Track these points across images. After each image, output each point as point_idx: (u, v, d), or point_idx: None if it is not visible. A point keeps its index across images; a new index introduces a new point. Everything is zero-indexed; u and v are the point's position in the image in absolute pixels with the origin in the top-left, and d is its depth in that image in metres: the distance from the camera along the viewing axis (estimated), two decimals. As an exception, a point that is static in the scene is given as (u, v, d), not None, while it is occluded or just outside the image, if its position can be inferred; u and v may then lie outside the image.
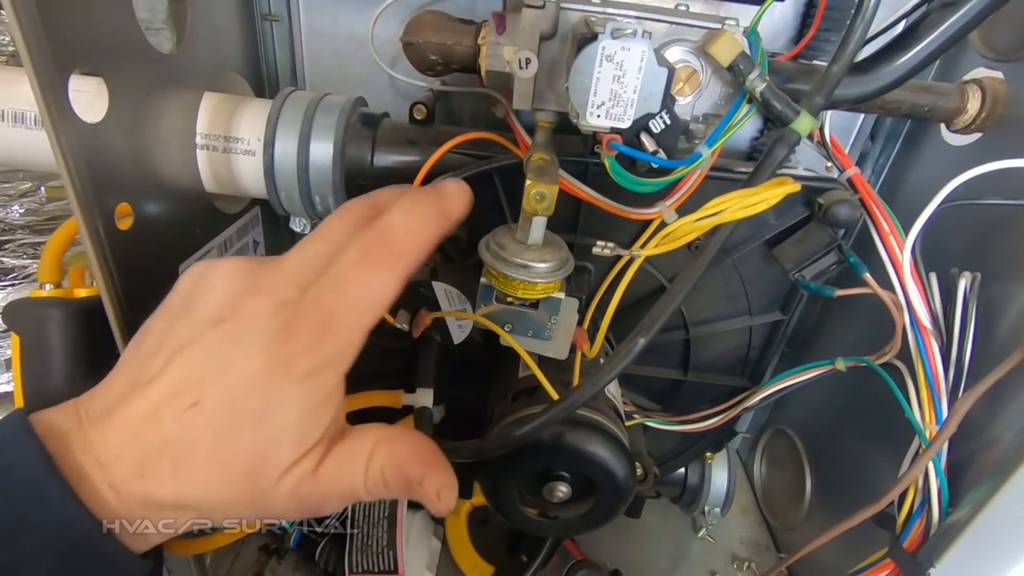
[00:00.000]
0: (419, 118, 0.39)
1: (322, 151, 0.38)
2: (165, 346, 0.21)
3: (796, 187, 0.28)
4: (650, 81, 0.26)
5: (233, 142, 0.38)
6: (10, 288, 0.62)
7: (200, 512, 0.21)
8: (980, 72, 0.37)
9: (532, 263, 0.30)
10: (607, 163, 0.28)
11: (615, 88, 0.26)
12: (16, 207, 0.58)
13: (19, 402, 0.32)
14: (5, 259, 0.60)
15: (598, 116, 0.27)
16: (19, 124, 0.36)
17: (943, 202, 0.33)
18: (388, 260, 0.22)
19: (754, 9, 0.30)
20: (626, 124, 0.27)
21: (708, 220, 0.27)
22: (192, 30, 0.36)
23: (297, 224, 0.41)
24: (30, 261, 0.61)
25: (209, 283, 0.22)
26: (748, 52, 0.28)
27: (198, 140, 0.37)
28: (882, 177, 0.48)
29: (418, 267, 0.23)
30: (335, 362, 0.21)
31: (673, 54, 0.29)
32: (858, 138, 0.47)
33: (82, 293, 0.34)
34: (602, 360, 0.29)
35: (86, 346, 0.31)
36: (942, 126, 0.40)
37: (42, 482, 0.19)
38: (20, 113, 0.36)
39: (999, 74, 0.36)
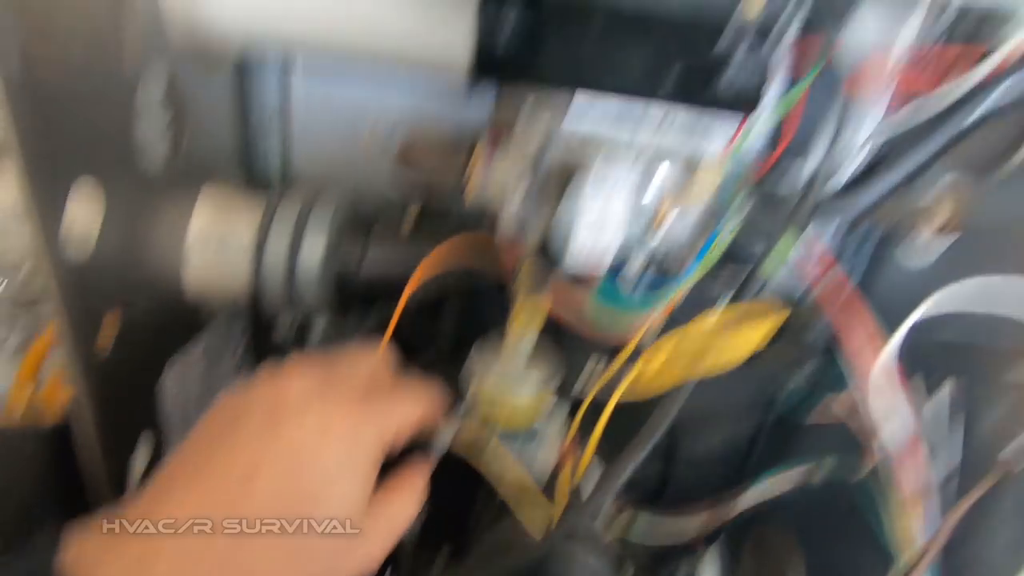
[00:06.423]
0: (413, 221, 0.40)
1: (312, 255, 0.38)
2: None
3: (782, 316, 0.29)
4: (634, 216, 0.27)
5: (222, 244, 0.38)
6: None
7: None
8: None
9: (521, 384, 0.30)
10: (591, 303, 0.29)
11: (597, 228, 0.27)
12: (-2, 281, 0.57)
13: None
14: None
15: (581, 257, 0.28)
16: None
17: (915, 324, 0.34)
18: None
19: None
20: (607, 264, 0.28)
21: (684, 370, 0.28)
22: (187, 139, 0.36)
23: (281, 327, 0.41)
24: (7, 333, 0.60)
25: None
26: (725, 186, 0.29)
27: (187, 243, 0.38)
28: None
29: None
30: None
31: (654, 188, 0.30)
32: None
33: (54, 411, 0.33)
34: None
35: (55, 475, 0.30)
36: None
37: None
38: None
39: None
